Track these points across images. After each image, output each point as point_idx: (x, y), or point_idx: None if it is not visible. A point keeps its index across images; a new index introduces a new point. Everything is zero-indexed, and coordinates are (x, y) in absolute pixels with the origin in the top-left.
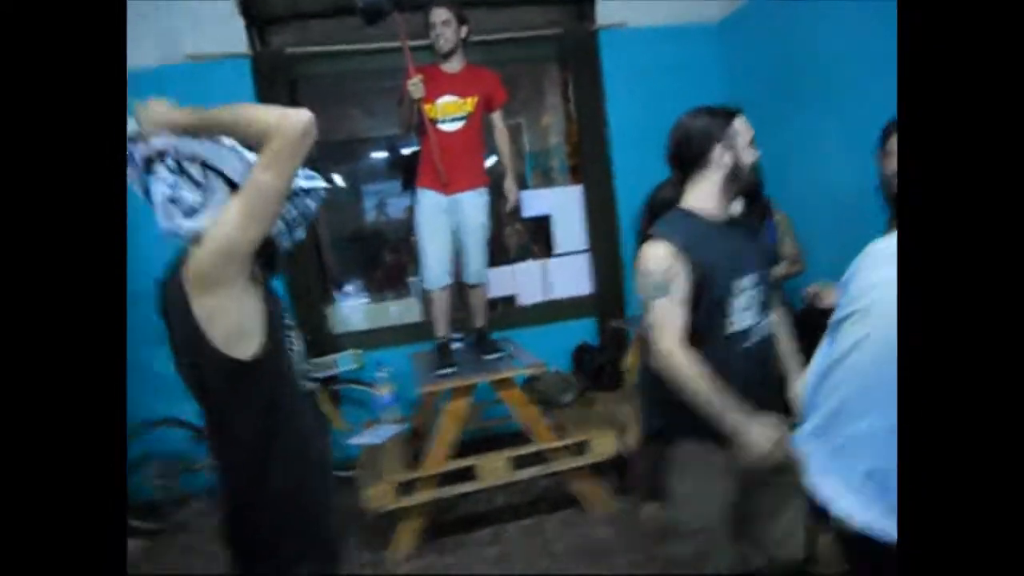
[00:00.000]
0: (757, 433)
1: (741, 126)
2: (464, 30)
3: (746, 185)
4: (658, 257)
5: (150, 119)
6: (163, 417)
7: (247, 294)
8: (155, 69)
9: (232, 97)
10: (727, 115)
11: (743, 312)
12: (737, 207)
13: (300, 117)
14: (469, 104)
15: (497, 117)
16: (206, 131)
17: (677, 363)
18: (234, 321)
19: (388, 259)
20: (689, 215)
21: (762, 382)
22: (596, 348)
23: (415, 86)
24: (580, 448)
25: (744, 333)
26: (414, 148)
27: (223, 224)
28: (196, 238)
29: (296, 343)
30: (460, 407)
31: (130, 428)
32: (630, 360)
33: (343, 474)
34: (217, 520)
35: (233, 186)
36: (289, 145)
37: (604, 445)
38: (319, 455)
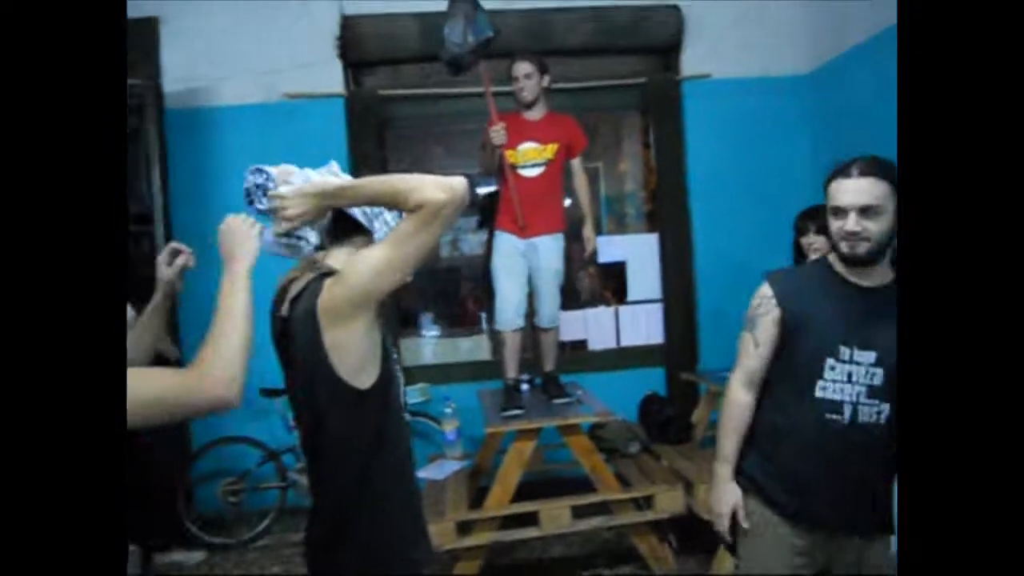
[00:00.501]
0: (718, 492)
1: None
2: (546, 80)
3: (848, 256)
4: (758, 294)
5: (296, 206)
6: (234, 435)
7: (372, 328)
8: (254, 106)
9: (325, 134)
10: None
11: (844, 383)
12: (888, 276)
13: (463, 189)
14: (549, 151)
15: (577, 163)
16: (355, 202)
17: (729, 397)
18: (359, 353)
19: (461, 295)
20: (824, 267)
21: (857, 472)
22: (665, 399)
23: (497, 133)
24: (645, 502)
25: (836, 404)
26: (492, 188)
27: (369, 268)
28: (329, 273)
29: (399, 373)
30: (525, 450)
31: (202, 444)
32: (699, 414)
33: None
34: (313, 533)
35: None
36: (452, 213)
37: (670, 501)
38: (413, 472)
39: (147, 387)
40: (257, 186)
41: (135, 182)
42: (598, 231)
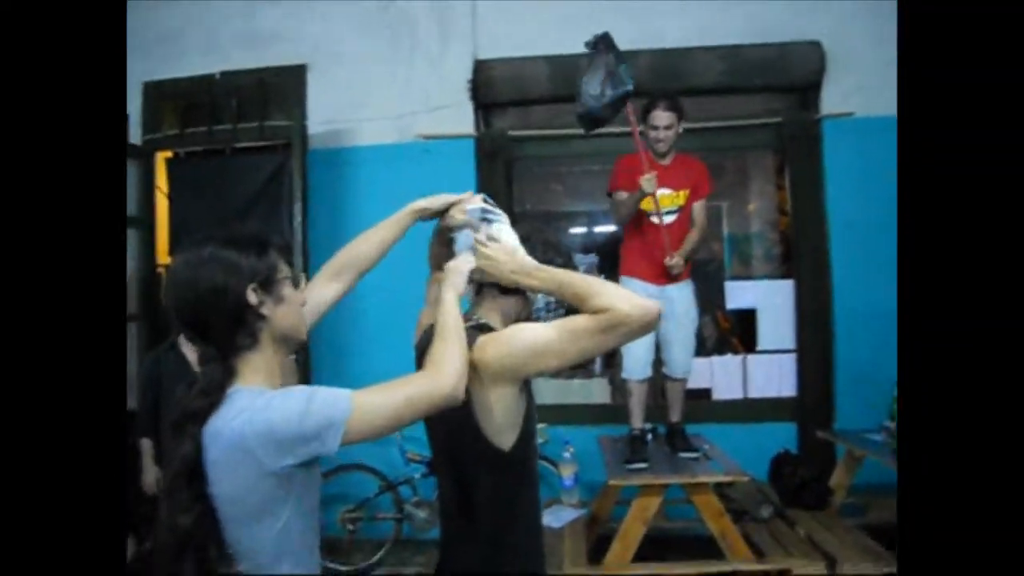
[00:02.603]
0: None
1: None
2: (681, 127)
3: None
4: None
5: (491, 265)
6: (356, 463)
7: (520, 394)
8: (390, 146)
9: (456, 173)
10: None
11: None
12: None
13: (655, 314)
14: (682, 197)
15: (699, 208)
16: (542, 287)
17: None
18: (505, 414)
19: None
20: None
21: None
22: (799, 459)
23: (649, 182)
24: (780, 575)
25: None
26: (608, 228)
27: (528, 347)
28: (482, 327)
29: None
30: (649, 506)
31: (326, 469)
32: (838, 479)
33: None
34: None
35: None
36: (635, 331)
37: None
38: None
39: (401, 392)
40: (482, 218)
41: (278, 216)
42: (722, 273)
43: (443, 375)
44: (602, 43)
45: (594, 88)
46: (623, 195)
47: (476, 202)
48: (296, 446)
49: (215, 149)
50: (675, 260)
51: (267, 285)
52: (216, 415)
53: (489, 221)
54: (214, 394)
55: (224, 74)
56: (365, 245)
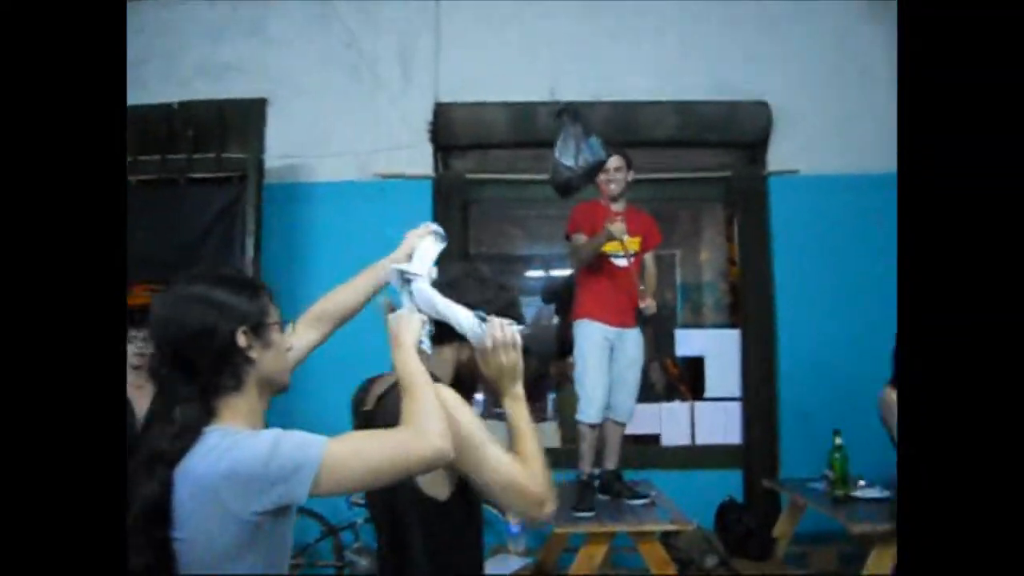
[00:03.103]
0: None
1: None
2: (631, 175)
3: None
4: None
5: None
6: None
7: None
8: (348, 183)
9: (412, 212)
10: None
11: None
12: None
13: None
14: (635, 243)
15: (649, 258)
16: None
17: None
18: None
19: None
20: None
21: None
22: (744, 508)
23: (619, 228)
24: None
25: None
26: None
27: (472, 439)
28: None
29: None
30: (596, 554)
31: None
32: (782, 528)
33: None
34: None
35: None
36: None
37: None
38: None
39: (382, 447)
40: (403, 279)
41: (231, 249)
42: (674, 321)
43: (427, 434)
44: (567, 114)
45: (568, 158)
46: (582, 238)
47: (423, 237)
48: (261, 490)
49: (169, 178)
50: (649, 303)
51: (257, 329)
52: (188, 455)
53: (408, 281)
54: (188, 436)
55: (183, 104)
56: (344, 294)
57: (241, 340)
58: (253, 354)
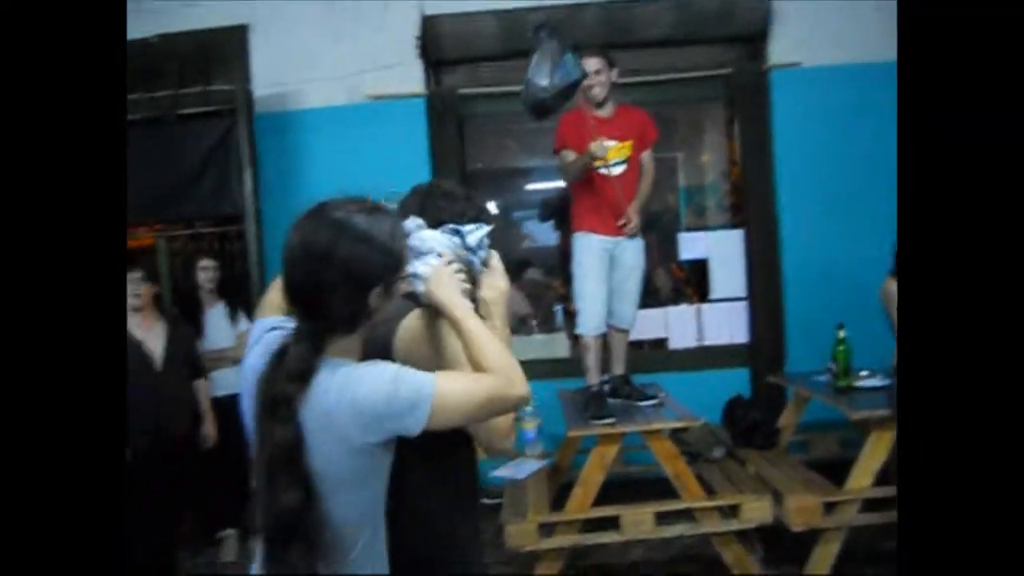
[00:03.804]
0: None
1: None
2: (615, 74)
3: None
4: None
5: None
6: None
7: None
8: (339, 108)
9: (407, 133)
10: None
11: None
12: None
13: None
14: (628, 147)
15: (647, 157)
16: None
17: None
18: None
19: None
20: None
21: None
22: (750, 403)
23: (601, 147)
24: (731, 511)
25: None
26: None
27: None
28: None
29: None
30: (607, 454)
31: None
32: (786, 419)
33: (487, 502)
34: None
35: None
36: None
37: (757, 511)
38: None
39: (482, 386)
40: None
41: (227, 184)
42: (677, 224)
43: (516, 381)
44: (544, 32)
45: (542, 78)
46: (571, 155)
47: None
48: (382, 424)
49: (157, 117)
50: (632, 223)
51: (391, 283)
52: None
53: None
54: (306, 378)
55: (162, 36)
56: None
57: (376, 293)
58: (382, 302)
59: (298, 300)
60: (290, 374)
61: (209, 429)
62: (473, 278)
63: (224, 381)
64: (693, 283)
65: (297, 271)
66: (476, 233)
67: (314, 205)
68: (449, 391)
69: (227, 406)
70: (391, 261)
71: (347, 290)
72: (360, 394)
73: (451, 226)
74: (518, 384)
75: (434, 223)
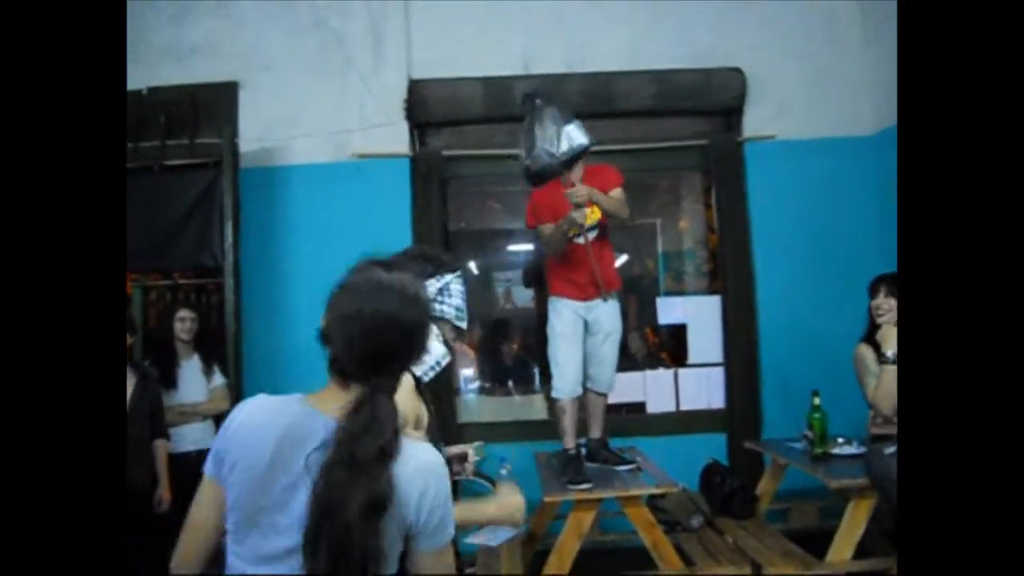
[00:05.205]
0: None
1: None
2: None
3: None
4: None
5: None
6: None
7: None
8: (324, 165)
9: (391, 192)
10: None
11: None
12: None
13: None
14: (597, 212)
15: (616, 192)
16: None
17: None
18: None
19: (514, 351)
20: None
21: None
22: (727, 470)
23: (582, 214)
24: None
25: None
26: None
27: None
28: None
29: None
30: (584, 520)
31: None
32: (764, 487)
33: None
34: None
35: None
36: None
37: None
38: None
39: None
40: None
41: (209, 236)
42: (656, 289)
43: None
44: (538, 99)
45: (550, 144)
46: (548, 227)
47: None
48: (431, 519)
49: (143, 166)
50: (577, 189)
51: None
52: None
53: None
54: (395, 435)
55: (152, 89)
56: None
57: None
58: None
59: (368, 357)
60: (382, 428)
61: (165, 493)
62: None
63: (191, 436)
64: (668, 348)
65: (369, 328)
66: (436, 286)
67: (359, 268)
68: (450, 549)
69: (193, 462)
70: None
71: (413, 344)
72: (437, 477)
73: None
74: None
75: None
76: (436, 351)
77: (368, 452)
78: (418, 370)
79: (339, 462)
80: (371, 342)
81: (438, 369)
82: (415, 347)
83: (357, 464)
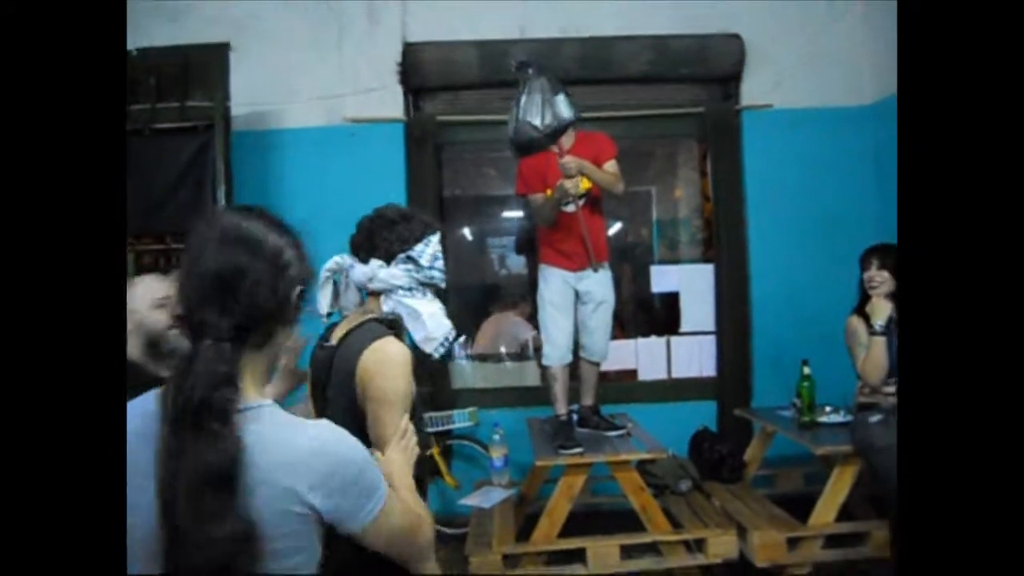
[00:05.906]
0: None
1: None
2: None
3: None
4: None
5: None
6: None
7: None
8: (317, 129)
9: (384, 157)
10: None
11: None
12: None
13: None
14: (586, 184)
15: (610, 165)
16: None
17: None
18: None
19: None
20: None
21: None
22: (717, 436)
23: (575, 185)
24: (696, 545)
25: None
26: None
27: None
28: (384, 322)
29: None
30: (575, 484)
31: None
32: (752, 453)
33: (452, 531)
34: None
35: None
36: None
37: (724, 546)
38: None
39: (412, 517)
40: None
41: (201, 200)
42: (650, 257)
43: (431, 525)
44: (531, 68)
45: (534, 118)
46: (539, 198)
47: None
48: (345, 493)
49: (133, 129)
50: (567, 160)
51: (303, 293)
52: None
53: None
54: (225, 387)
55: (141, 51)
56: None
57: (295, 294)
58: (291, 317)
59: (215, 290)
60: (207, 381)
61: None
62: (438, 292)
63: None
64: (662, 316)
65: (213, 260)
66: (427, 251)
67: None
68: (392, 504)
69: None
70: (299, 264)
71: (262, 281)
72: (331, 447)
73: (403, 255)
74: (431, 531)
75: (387, 256)
76: (443, 327)
77: (188, 407)
78: (427, 347)
79: (174, 420)
80: (214, 266)
81: (448, 345)
82: (268, 291)
83: (186, 420)
